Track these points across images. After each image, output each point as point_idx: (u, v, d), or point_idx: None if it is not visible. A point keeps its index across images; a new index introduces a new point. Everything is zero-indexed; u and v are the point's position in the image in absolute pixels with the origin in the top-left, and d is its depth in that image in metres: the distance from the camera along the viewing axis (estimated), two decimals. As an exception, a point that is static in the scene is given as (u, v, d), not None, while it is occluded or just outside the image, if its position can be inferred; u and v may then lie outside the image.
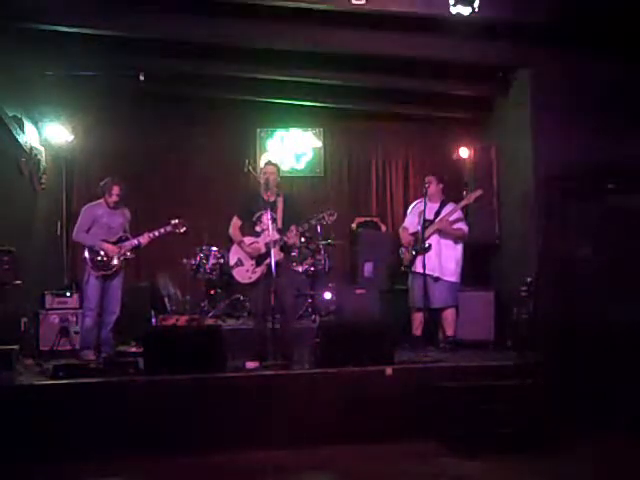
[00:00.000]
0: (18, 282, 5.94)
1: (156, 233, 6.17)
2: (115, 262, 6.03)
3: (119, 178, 6.22)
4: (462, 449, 4.72)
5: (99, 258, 6.00)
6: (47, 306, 6.72)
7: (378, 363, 5.22)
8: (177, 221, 6.22)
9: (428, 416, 4.98)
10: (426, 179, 6.60)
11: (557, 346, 5.71)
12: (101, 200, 6.18)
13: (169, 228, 6.20)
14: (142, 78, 6.94)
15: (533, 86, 6.56)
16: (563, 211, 6.24)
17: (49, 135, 7.31)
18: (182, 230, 6.24)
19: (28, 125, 6.82)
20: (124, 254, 6.08)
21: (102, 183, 6.20)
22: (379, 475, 4.44)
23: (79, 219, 6.17)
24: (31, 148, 6.90)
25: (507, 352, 6.27)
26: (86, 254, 6.03)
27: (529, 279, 6.12)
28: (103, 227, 6.09)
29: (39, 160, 7.12)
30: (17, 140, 6.56)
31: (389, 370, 5.15)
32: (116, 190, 6.09)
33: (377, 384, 5.10)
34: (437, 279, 6.33)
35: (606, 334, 5.76)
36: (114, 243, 6.07)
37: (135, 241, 6.12)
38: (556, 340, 5.77)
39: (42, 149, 7.19)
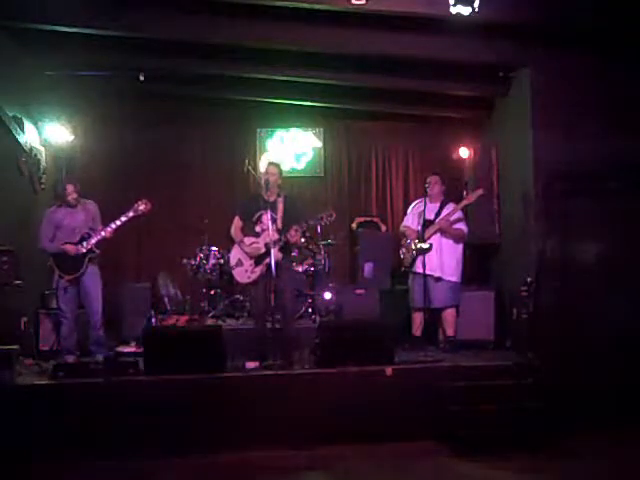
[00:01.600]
0: (18, 282, 5.93)
1: (118, 222, 5.89)
2: (82, 261, 5.82)
3: (71, 177, 6.17)
4: (462, 449, 4.73)
5: (64, 262, 5.81)
6: (47, 306, 6.71)
7: (378, 363, 5.22)
8: (139, 203, 5.95)
9: (428, 416, 4.99)
10: (428, 179, 6.58)
11: (557, 346, 5.72)
12: (60, 203, 6.01)
13: (131, 213, 5.93)
14: (142, 78, 6.96)
15: (533, 86, 6.55)
16: (563, 211, 6.24)
17: (49, 135, 7.30)
18: (144, 210, 5.92)
19: (28, 125, 6.82)
20: (89, 251, 5.85)
21: (56, 186, 6.08)
22: (378, 475, 4.44)
23: (42, 226, 5.94)
24: (31, 148, 6.89)
25: (507, 352, 6.27)
26: (52, 261, 5.85)
27: (529, 279, 6.11)
28: (67, 229, 5.89)
29: (39, 160, 7.12)
30: (17, 140, 6.56)
31: (389, 370, 5.15)
32: (70, 189, 5.93)
33: (377, 384, 5.11)
34: (438, 279, 6.31)
35: (606, 334, 5.78)
36: (78, 242, 5.85)
37: (99, 235, 5.87)
38: (556, 340, 5.78)
39: (42, 149, 7.19)
